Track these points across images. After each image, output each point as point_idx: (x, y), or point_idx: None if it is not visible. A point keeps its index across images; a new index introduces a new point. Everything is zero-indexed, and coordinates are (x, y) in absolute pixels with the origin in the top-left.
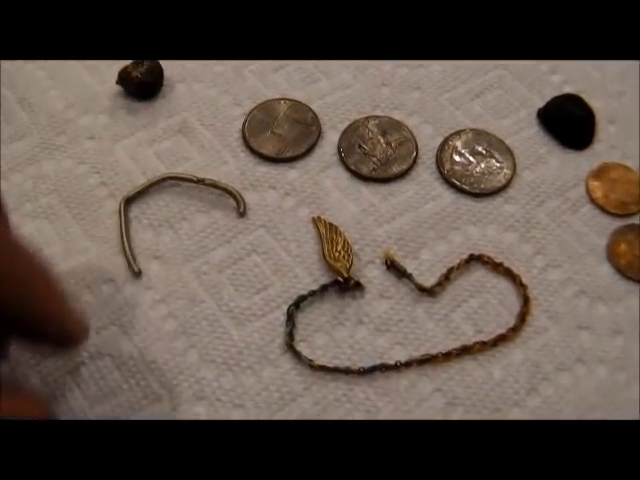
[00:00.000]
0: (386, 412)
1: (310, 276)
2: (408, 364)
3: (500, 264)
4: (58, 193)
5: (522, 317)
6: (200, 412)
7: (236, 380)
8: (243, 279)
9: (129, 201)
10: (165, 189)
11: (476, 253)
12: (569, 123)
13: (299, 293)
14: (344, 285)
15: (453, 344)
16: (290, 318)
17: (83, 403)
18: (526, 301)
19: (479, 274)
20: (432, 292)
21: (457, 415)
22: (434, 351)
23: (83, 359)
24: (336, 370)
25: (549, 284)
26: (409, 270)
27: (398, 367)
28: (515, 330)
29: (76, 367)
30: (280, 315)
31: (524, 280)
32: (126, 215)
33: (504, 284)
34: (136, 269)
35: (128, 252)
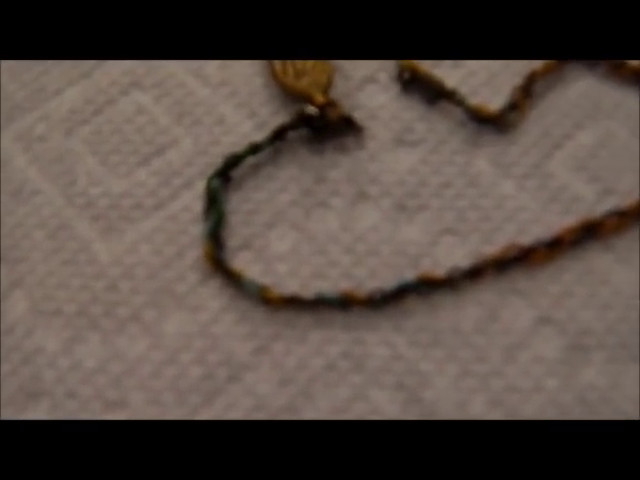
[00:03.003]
0: (441, 383)
1: (250, 117)
2: (476, 272)
3: (622, 63)
4: None
5: None
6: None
7: (108, 348)
8: (116, 140)
9: None
10: None
11: None
12: None
13: (229, 151)
14: (320, 122)
15: (560, 221)
16: (213, 204)
17: None
18: None
19: (585, 84)
20: (502, 121)
21: (593, 371)
22: (525, 240)
23: None
24: (321, 303)
25: None
26: (449, 86)
27: (455, 280)
28: None
29: None
30: (192, 201)
31: None
32: None
33: (633, 98)
34: None
35: None
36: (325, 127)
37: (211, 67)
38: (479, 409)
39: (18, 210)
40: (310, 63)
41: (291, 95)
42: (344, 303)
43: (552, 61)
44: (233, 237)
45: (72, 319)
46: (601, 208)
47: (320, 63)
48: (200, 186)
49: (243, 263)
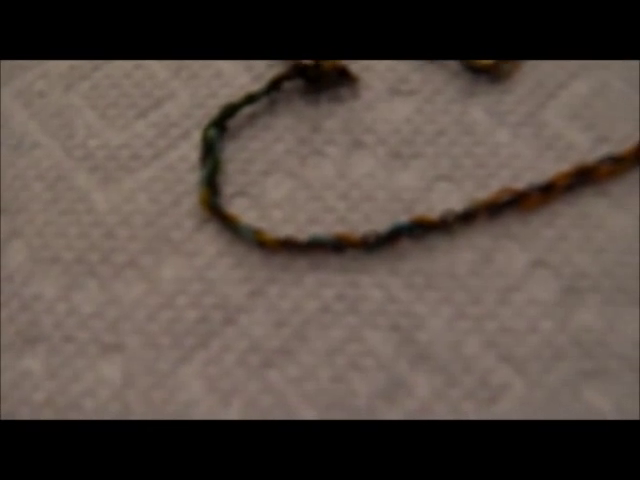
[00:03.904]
0: (436, 324)
1: (247, 70)
2: (470, 215)
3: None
4: None
5: None
6: (33, 366)
7: (105, 293)
8: (114, 94)
9: None
10: None
11: None
12: None
13: (225, 102)
14: (315, 72)
15: (554, 168)
16: (209, 152)
17: None
18: None
19: None
20: (496, 72)
21: (588, 313)
22: (519, 185)
23: None
24: (315, 246)
25: None
26: None
27: (448, 223)
28: None
29: None
30: (189, 151)
31: None
32: None
33: None
34: None
35: None
36: (320, 77)
37: None
38: (473, 350)
39: (18, 162)
40: None
41: None
42: (339, 246)
43: None
44: (229, 185)
45: (70, 266)
46: (596, 155)
47: None
48: (197, 137)
49: (239, 210)
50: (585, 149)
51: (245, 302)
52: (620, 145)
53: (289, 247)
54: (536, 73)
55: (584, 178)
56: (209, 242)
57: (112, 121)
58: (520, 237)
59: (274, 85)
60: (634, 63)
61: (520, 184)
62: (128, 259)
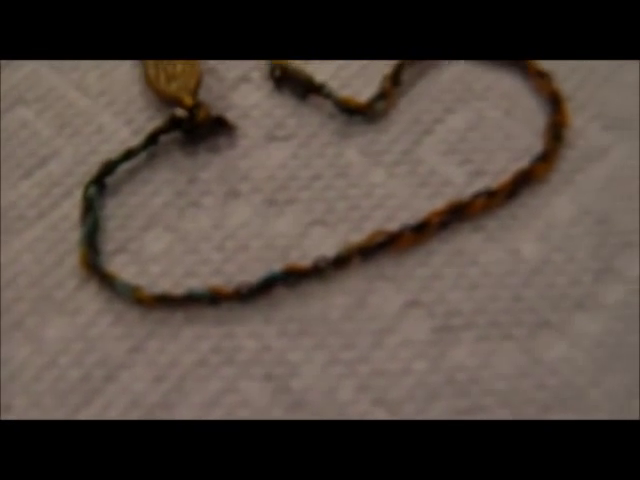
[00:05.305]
0: (310, 371)
1: (128, 124)
2: (342, 260)
3: None
4: None
5: (555, 133)
6: None
7: None
8: (1, 155)
9: None
10: None
11: None
12: None
13: (105, 158)
14: (190, 123)
15: (429, 206)
16: (89, 211)
17: None
18: (557, 102)
19: (457, 68)
20: (371, 111)
21: (462, 351)
22: (393, 225)
23: None
24: (191, 300)
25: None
26: (319, 81)
27: (321, 269)
28: (547, 160)
29: None
30: (71, 209)
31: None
32: None
33: (509, 79)
34: None
35: None
36: (196, 128)
37: (91, 78)
38: (348, 395)
39: None
40: (180, 68)
41: (164, 100)
42: (213, 298)
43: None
44: (109, 242)
45: None
46: (472, 190)
47: (189, 67)
48: (79, 194)
49: (119, 266)
50: (460, 184)
51: (125, 358)
52: (496, 178)
53: (165, 302)
54: (412, 109)
55: (458, 214)
56: (90, 300)
57: None
58: (394, 278)
59: (151, 139)
60: (510, 92)
61: (394, 224)
62: (15, 320)
